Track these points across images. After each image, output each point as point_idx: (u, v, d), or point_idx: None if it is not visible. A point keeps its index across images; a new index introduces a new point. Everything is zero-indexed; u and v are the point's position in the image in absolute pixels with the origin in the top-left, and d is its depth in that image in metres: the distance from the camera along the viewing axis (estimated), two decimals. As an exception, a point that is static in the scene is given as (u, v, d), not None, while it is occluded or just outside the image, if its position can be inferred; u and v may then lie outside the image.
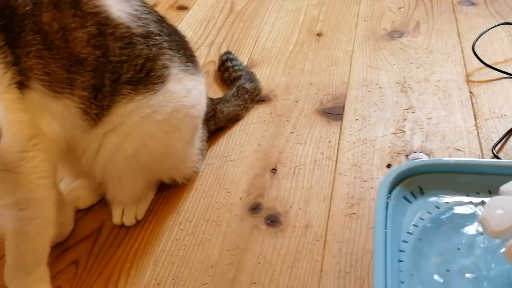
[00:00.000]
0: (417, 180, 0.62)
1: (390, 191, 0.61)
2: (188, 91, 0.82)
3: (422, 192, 0.63)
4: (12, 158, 0.61)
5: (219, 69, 1.20)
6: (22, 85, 0.64)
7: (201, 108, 0.88)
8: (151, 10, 0.80)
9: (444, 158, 0.87)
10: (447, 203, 0.61)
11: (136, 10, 0.75)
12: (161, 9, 1.47)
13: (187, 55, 0.84)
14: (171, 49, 0.79)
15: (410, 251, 0.56)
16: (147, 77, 0.75)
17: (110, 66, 0.71)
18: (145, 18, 0.76)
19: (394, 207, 0.59)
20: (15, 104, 0.62)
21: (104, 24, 0.70)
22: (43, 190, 0.66)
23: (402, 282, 0.51)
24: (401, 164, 0.66)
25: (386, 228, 0.55)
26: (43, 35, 0.65)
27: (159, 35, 0.77)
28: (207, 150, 0.98)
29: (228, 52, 1.22)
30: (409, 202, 0.61)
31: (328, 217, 0.84)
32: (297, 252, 0.79)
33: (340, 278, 0.74)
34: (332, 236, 0.81)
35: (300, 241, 0.80)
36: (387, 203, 0.59)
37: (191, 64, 0.85)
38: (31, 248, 0.68)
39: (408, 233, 0.57)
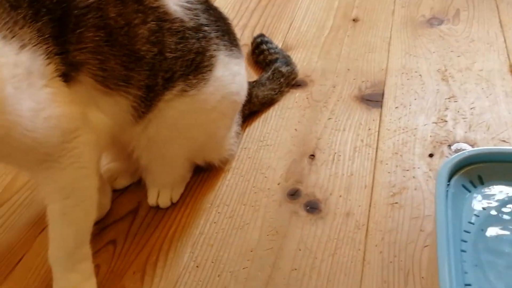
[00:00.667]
0: (476, 169, 0.60)
1: (449, 180, 0.58)
2: (234, 76, 0.80)
3: (481, 182, 0.60)
4: (54, 150, 0.59)
5: (253, 52, 1.17)
6: (68, 77, 0.61)
7: (244, 94, 0.86)
8: None
9: (506, 147, 0.82)
10: (508, 194, 0.58)
11: (187, 2, 0.72)
12: (192, -9, 1.45)
13: (231, 39, 0.82)
14: (218, 38, 0.77)
15: (473, 241, 0.53)
16: (197, 69, 0.73)
17: (165, 64, 0.68)
18: (195, 9, 0.73)
19: (454, 196, 0.56)
20: (58, 97, 0.59)
21: (163, 20, 0.67)
22: (85, 179, 0.65)
23: (466, 273, 0.49)
24: (460, 152, 0.63)
25: (446, 217, 0.53)
26: (108, 30, 0.62)
27: (207, 25, 0.75)
28: (242, 134, 0.97)
29: (261, 35, 1.19)
30: (469, 191, 0.59)
31: (370, 206, 0.82)
32: (339, 240, 0.77)
33: (383, 268, 0.72)
34: (374, 225, 0.79)
35: (341, 229, 0.78)
36: (447, 191, 0.56)
37: (235, 48, 0.83)
38: (74, 232, 0.67)
39: (470, 223, 0.55)
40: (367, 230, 0.78)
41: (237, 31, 1.26)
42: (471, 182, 0.60)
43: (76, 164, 0.62)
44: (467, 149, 0.88)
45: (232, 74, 0.80)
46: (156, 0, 0.67)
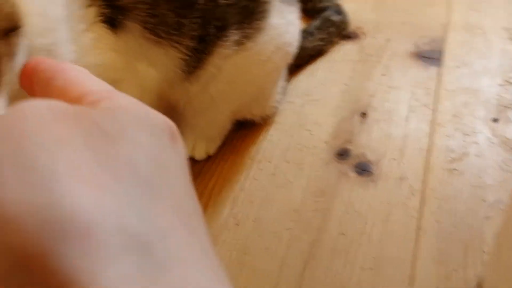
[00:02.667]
0: None
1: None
2: (288, 25, 0.74)
3: None
4: None
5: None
6: (115, 23, 0.55)
7: (296, 45, 0.79)
8: None
9: None
10: None
11: None
12: None
13: None
14: None
15: None
16: (251, 16, 0.66)
17: (218, 11, 0.62)
18: None
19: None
20: (100, 44, 0.54)
21: None
22: None
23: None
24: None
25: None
26: None
27: None
28: (287, 86, 0.90)
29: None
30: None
31: (426, 171, 0.75)
32: (391, 205, 0.71)
33: (440, 238, 0.66)
34: (430, 191, 0.72)
35: (394, 193, 0.72)
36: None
37: None
38: None
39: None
40: (422, 196, 0.72)
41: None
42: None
43: None
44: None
45: (286, 22, 0.74)
46: None
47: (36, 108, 0.21)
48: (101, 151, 0.20)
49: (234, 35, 0.65)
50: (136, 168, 0.20)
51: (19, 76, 0.35)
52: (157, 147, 0.21)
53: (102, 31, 0.54)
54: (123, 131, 0.20)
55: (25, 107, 0.22)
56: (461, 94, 0.87)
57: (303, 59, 0.93)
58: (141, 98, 0.65)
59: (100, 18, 0.54)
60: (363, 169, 0.76)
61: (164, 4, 0.58)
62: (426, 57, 0.94)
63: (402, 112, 0.84)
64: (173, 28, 0.59)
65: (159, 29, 0.58)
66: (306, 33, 0.95)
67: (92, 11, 0.53)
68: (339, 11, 1.00)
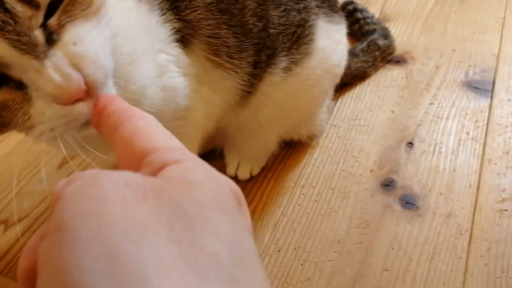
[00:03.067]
0: None
1: None
2: (336, 45, 0.72)
3: None
4: (164, 124, 0.53)
5: (345, 20, 1.06)
6: (182, 44, 0.54)
7: (344, 64, 0.78)
8: None
9: None
10: None
11: None
12: None
13: (331, 5, 0.73)
14: (317, 7, 0.69)
15: None
16: (298, 41, 0.65)
17: (269, 41, 0.61)
18: None
19: None
20: (173, 67, 0.53)
21: None
22: None
23: None
24: None
25: None
26: None
27: None
28: (332, 108, 0.88)
29: (351, 2, 1.08)
30: None
31: (475, 209, 0.73)
32: (438, 243, 0.69)
33: (488, 283, 0.64)
34: (479, 232, 0.70)
35: (441, 231, 0.70)
36: None
37: (335, 14, 0.74)
38: None
39: None
40: (470, 236, 0.69)
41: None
42: None
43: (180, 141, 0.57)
44: None
45: (334, 42, 0.72)
46: None
47: (115, 186, 0.21)
48: (185, 242, 0.20)
49: (282, 62, 0.64)
50: (219, 260, 0.20)
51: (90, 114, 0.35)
52: (233, 227, 0.22)
53: (175, 52, 0.54)
54: (202, 215, 0.21)
55: (103, 184, 0.21)
56: (513, 130, 0.84)
57: (347, 78, 0.92)
58: (204, 125, 0.64)
59: (173, 36, 0.53)
60: (409, 202, 0.74)
61: (226, 27, 0.57)
62: (477, 88, 0.92)
63: (451, 145, 0.82)
64: (233, 51, 0.59)
65: (221, 51, 0.58)
66: (351, 54, 0.94)
67: (167, 29, 0.52)
68: (386, 35, 0.99)
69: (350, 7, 1.07)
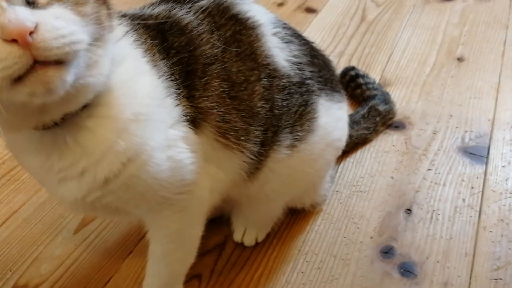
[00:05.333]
0: None
1: None
2: (337, 122, 0.77)
3: None
4: (170, 195, 0.59)
5: (347, 85, 1.12)
6: (195, 124, 0.59)
7: (345, 139, 0.83)
8: (305, 45, 0.74)
9: None
10: None
11: (294, 56, 0.70)
12: (288, 10, 1.43)
13: (333, 86, 0.79)
14: (319, 89, 0.74)
15: None
16: (300, 118, 0.70)
17: (274, 120, 0.67)
18: (301, 63, 0.71)
19: None
20: (182, 143, 0.58)
21: (273, 76, 0.66)
22: (191, 228, 0.66)
23: None
24: None
25: None
26: (231, 83, 0.61)
27: (310, 78, 0.72)
28: (334, 175, 0.93)
29: (353, 68, 1.13)
30: None
31: (471, 278, 0.76)
32: (435, 313, 0.72)
33: None
34: (475, 301, 0.73)
35: (438, 300, 0.73)
36: None
37: (337, 93, 0.79)
38: (170, 273, 0.68)
39: None
40: (466, 306, 0.73)
41: (333, 58, 1.23)
42: None
43: (185, 214, 0.61)
44: None
45: (335, 119, 0.77)
46: (267, 57, 0.65)
47: None
48: None
49: (287, 139, 0.69)
50: None
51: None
52: None
53: (185, 130, 0.58)
54: None
55: None
56: (508, 197, 0.88)
57: (348, 146, 0.97)
58: (209, 200, 0.69)
59: (184, 117, 0.58)
60: (407, 270, 0.77)
61: (235, 112, 0.62)
62: (473, 154, 0.96)
63: (447, 212, 0.86)
64: (241, 134, 0.63)
65: (230, 134, 0.62)
66: (352, 123, 0.99)
67: (179, 110, 0.58)
68: (386, 100, 1.04)
69: (352, 72, 1.12)
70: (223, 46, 0.60)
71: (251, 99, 0.63)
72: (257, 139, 0.65)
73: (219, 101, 0.60)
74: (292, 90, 0.69)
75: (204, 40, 0.60)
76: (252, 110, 0.63)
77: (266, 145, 0.67)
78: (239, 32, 0.63)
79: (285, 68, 0.67)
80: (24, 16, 0.40)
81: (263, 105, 0.64)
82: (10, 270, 0.80)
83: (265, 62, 0.65)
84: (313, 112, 0.72)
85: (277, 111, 0.67)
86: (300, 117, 0.70)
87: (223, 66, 0.60)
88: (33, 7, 0.42)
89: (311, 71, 0.72)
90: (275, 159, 0.69)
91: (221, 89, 0.60)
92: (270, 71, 0.65)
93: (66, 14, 0.43)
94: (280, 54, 0.67)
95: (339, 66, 1.19)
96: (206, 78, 0.59)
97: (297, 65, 0.69)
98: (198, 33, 0.60)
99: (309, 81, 0.72)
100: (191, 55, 0.58)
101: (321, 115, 0.73)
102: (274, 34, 0.67)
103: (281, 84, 0.66)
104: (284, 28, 0.70)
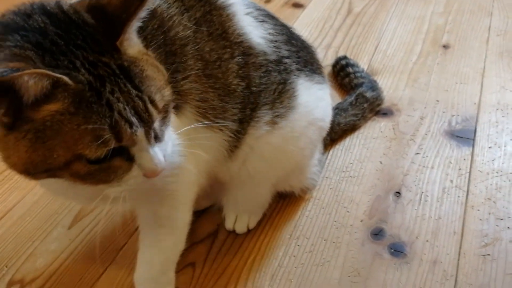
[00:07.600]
0: None
1: None
2: (318, 100, 0.79)
3: None
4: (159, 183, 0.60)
5: (337, 74, 1.14)
6: (175, 108, 0.61)
7: (329, 120, 0.84)
8: (281, 26, 0.76)
9: None
10: None
11: (269, 34, 0.71)
12: (275, 5, 1.44)
13: (314, 68, 0.80)
14: (299, 70, 0.76)
15: None
16: (279, 96, 0.72)
17: (252, 97, 0.69)
18: (277, 41, 0.73)
19: None
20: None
21: (248, 54, 0.68)
22: (181, 212, 0.67)
23: None
24: None
25: None
26: (204, 63, 0.63)
27: (288, 57, 0.74)
28: (323, 162, 0.94)
29: (345, 57, 1.16)
30: None
31: (459, 255, 0.77)
32: (425, 289, 0.73)
33: (474, 327, 0.68)
34: (464, 277, 0.74)
35: (427, 278, 0.75)
36: None
37: (317, 75, 0.81)
38: (162, 259, 0.69)
39: None
40: (455, 281, 0.74)
41: (320, 50, 1.24)
42: None
43: (173, 198, 0.63)
44: None
45: (316, 98, 0.78)
46: (240, 35, 0.67)
47: None
48: None
49: (266, 115, 0.70)
50: None
51: None
52: None
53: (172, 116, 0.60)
54: None
55: None
56: (494, 177, 0.89)
57: (336, 134, 0.98)
58: (197, 183, 0.71)
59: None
60: (397, 250, 0.79)
61: (212, 91, 0.64)
62: (459, 137, 0.98)
63: (436, 193, 0.87)
64: (219, 112, 0.65)
65: (209, 113, 0.64)
66: (340, 110, 1.00)
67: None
68: (374, 87, 1.06)
69: (343, 62, 1.14)
70: (195, 27, 0.62)
71: (226, 77, 0.65)
72: (235, 117, 0.67)
73: (196, 80, 0.62)
74: (270, 68, 0.71)
75: (176, 22, 0.61)
76: (228, 88, 0.65)
77: (245, 122, 0.69)
78: (209, 13, 0.65)
79: (260, 45, 0.69)
80: (164, 165, 0.50)
81: (239, 82, 0.66)
82: (6, 266, 0.81)
83: (238, 40, 0.66)
84: (293, 90, 0.74)
85: (254, 88, 0.68)
86: (279, 95, 0.72)
87: (196, 47, 0.62)
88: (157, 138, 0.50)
89: (288, 50, 0.74)
90: (254, 135, 0.71)
91: (197, 68, 0.62)
92: (244, 48, 0.67)
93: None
94: (254, 31, 0.68)
95: (326, 58, 1.21)
96: (184, 59, 0.61)
97: (273, 42, 0.71)
98: (168, 16, 0.61)
99: (287, 60, 0.73)
100: (166, 36, 0.60)
101: (301, 93, 0.75)
102: (247, 13, 0.69)
103: (257, 61, 0.68)
104: (258, 9, 0.72)
